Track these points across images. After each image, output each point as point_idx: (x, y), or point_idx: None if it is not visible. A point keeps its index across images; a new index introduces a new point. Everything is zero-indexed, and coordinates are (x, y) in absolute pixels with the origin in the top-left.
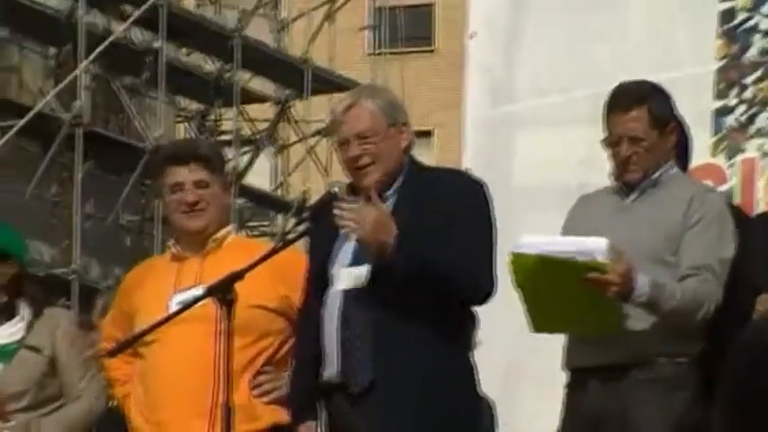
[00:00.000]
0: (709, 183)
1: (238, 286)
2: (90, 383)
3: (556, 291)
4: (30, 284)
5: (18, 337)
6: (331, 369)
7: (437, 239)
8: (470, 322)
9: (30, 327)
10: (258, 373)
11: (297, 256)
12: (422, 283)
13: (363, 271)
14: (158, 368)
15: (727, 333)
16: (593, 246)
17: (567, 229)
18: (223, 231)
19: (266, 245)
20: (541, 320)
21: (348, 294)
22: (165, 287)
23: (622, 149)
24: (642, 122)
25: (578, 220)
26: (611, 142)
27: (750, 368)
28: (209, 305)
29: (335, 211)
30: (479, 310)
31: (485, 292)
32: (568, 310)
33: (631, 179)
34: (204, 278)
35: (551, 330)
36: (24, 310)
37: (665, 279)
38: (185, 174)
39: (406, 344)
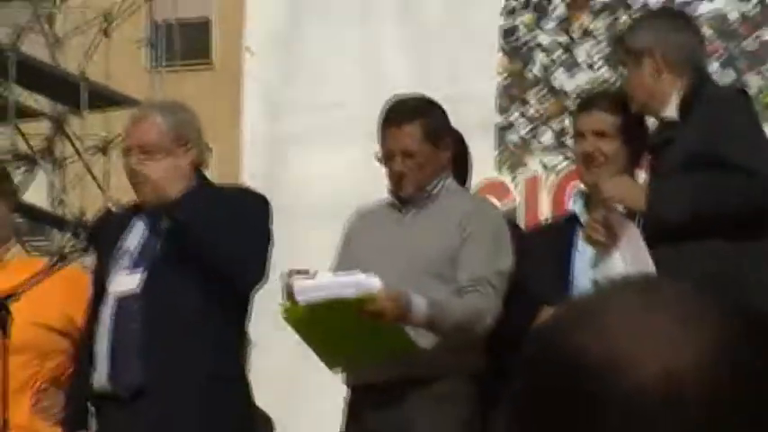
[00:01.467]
0: (494, 198)
1: (23, 304)
2: None
3: (337, 329)
4: None
5: None
6: (100, 376)
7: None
8: (242, 330)
9: None
10: (40, 392)
11: (82, 276)
12: (192, 254)
13: (137, 277)
14: None
15: (506, 347)
16: (368, 284)
17: (345, 243)
18: (6, 249)
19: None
20: (334, 359)
21: (120, 299)
22: None
23: (395, 164)
24: (415, 137)
25: (355, 233)
26: (385, 157)
27: (529, 369)
28: None
29: None
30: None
31: (253, 278)
32: (357, 344)
33: (405, 194)
34: None
35: (347, 366)
36: None
37: (442, 295)
38: None
39: (175, 348)
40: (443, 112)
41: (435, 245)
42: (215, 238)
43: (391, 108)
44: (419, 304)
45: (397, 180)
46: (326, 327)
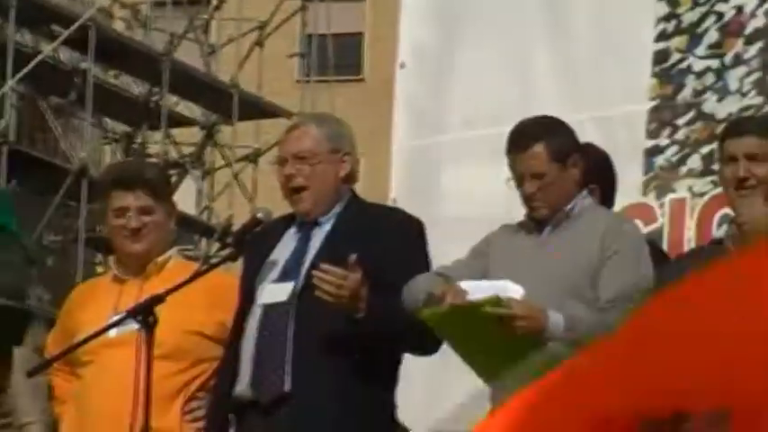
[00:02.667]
0: (639, 222)
1: (176, 311)
2: (41, 412)
3: (479, 337)
4: None
5: None
6: (242, 383)
7: (378, 280)
8: (398, 356)
9: None
10: (191, 398)
11: (232, 281)
12: (377, 340)
13: (287, 286)
14: (88, 390)
15: None
16: (513, 290)
17: (480, 254)
18: (165, 255)
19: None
20: (485, 370)
21: (268, 308)
22: (105, 308)
23: (526, 187)
24: (541, 158)
25: (494, 249)
26: (516, 181)
27: None
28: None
29: (315, 273)
30: None
31: (436, 346)
32: (497, 355)
33: (539, 216)
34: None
35: (498, 378)
36: None
37: (581, 312)
38: (130, 199)
39: (322, 358)
40: (569, 129)
41: (575, 265)
42: (395, 330)
43: (516, 131)
44: (557, 320)
45: (529, 202)
46: (470, 332)
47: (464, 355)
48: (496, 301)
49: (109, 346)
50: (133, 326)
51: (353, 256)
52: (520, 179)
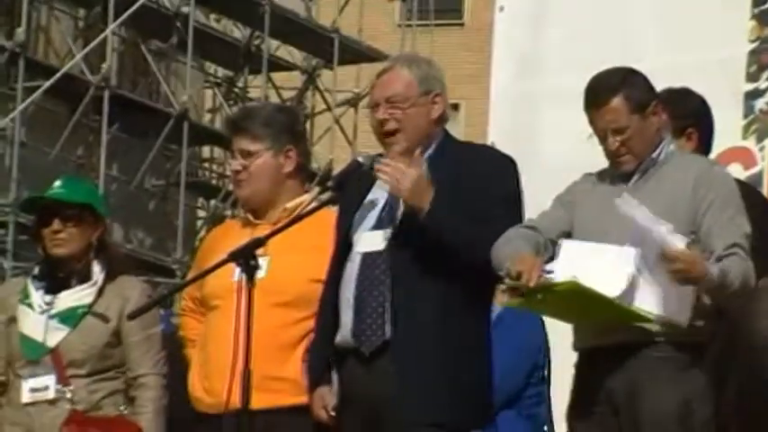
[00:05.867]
0: (739, 165)
1: (296, 258)
2: (154, 365)
3: (566, 311)
4: (107, 248)
5: (87, 301)
6: (344, 332)
7: (466, 211)
8: (491, 293)
9: (100, 292)
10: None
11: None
12: (443, 249)
13: (383, 234)
14: (209, 335)
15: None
16: (674, 240)
17: (564, 204)
18: (296, 201)
19: (333, 213)
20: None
21: (366, 257)
22: None
23: (609, 143)
24: (621, 112)
25: (582, 200)
26: (598, 137)
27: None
28: (274, 277)
29: (377, 166)
30: None
31: None
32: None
33: (626, 170)
34: (271, 246)
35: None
36: (98, 275)
37: (728, 263)
38: (236, 142)
39: (421, 306)
40: (644, 78)
41: (666, 212)
42: (460, 237)
43: (590, 88)
44: (713, 270)
45: (614, 157)
46: (557, 309)
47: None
48: (574, 285)
49: (232, 291)
50: (260, 272)
51: (418, 151)
52: (602, 135)
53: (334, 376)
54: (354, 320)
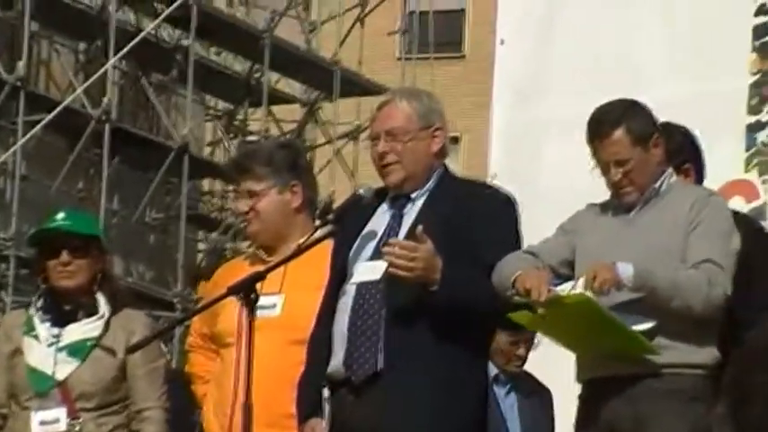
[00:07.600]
0: (741, 198)
1: (311, 296)
2: (158, 398)
3: (571, 328)
4: (111, 280)
5: (95, 334)
6: (336, 361)
7: (463, 252)
8: (487, 327)
9: (107, 325)
10: None
11: None
12: (457, 312)
13: (380, 265)
14: (227, 372)
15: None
16: None
17: (566, 232)
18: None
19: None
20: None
21: (361, 287)
22: None
23: (611, 174)
24: (623, 144)
25: (583, 226)
26: (600, 168)
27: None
28: (291, 314)
29: (385, 250)
30: None
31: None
32: (596, 344)
33: (629, 201)
34: (285, 284)
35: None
36: (104, 307)
37: (655, 268)
38: (241, 183)
39: (415, 338)
40: (646, 109)
41: (666, 241)
42: (475, 302)
43: (593, 120)
44: (626, 268)
45: (616, 189)
46: (560, 327)
47: (562, 344)
48: (584, 298)
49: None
50: (274, 310)
51: (420, 228)
52: (604, 167)
53: (327, 408)
54: (347, 350)
